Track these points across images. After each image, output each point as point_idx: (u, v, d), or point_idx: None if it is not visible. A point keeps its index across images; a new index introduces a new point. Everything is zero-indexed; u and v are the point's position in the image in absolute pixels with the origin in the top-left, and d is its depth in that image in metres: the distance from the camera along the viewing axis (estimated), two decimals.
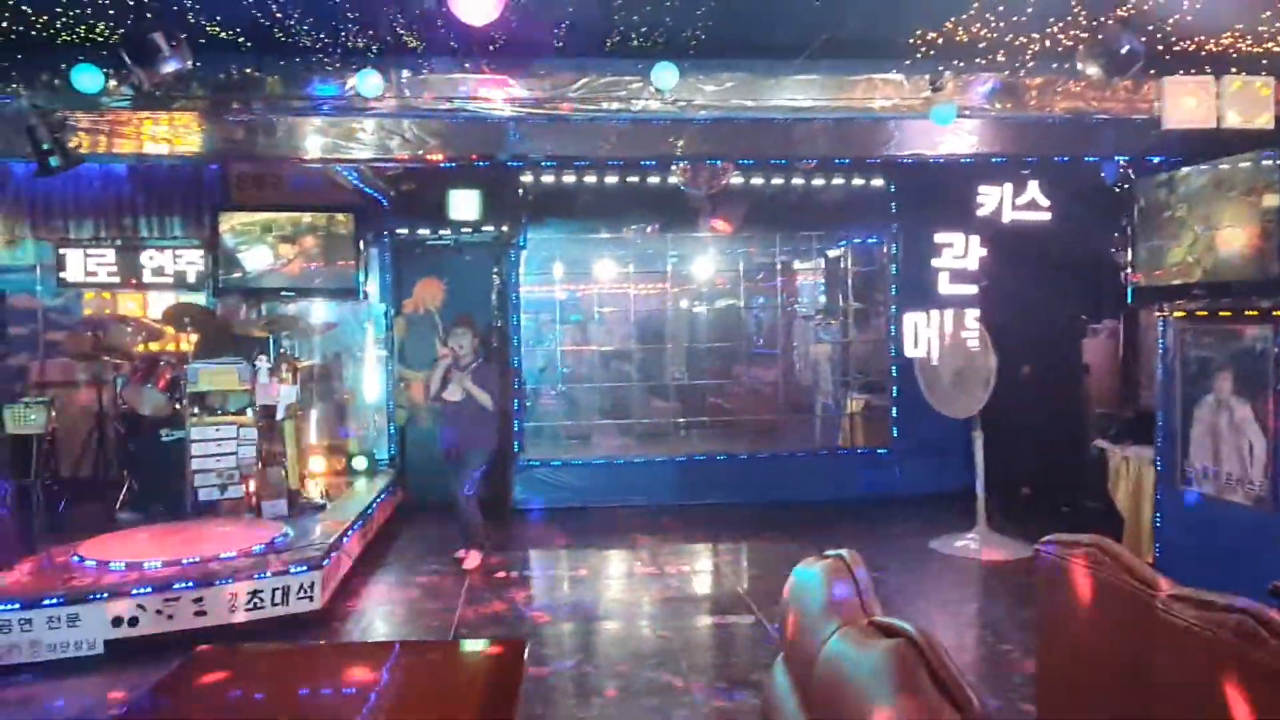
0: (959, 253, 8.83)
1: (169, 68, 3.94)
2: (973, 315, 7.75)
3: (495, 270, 9.37)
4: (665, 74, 4.36)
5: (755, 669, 4.67)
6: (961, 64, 4.69)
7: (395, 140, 5.19)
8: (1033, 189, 7.10)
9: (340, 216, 8.83)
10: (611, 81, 4.53)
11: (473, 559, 6.94)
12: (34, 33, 4.31)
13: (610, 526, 8.11)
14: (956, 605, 6.09)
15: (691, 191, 7.25)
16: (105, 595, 5.05)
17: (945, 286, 8.96)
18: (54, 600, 4.96)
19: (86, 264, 8.57)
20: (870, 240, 9.95)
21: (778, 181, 9.11)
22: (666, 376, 10.07)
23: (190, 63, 4.04)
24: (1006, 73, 4.83)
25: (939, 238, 9.01)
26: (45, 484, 6.90)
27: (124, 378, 7.40)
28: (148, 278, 8.68)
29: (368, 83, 4.37)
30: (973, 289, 7.89)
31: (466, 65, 4.51)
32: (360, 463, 8.65)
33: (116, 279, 8.62)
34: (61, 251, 8.55)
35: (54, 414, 5.68)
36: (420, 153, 5.37)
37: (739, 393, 10.50)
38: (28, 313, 8.71)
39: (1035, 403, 8.27)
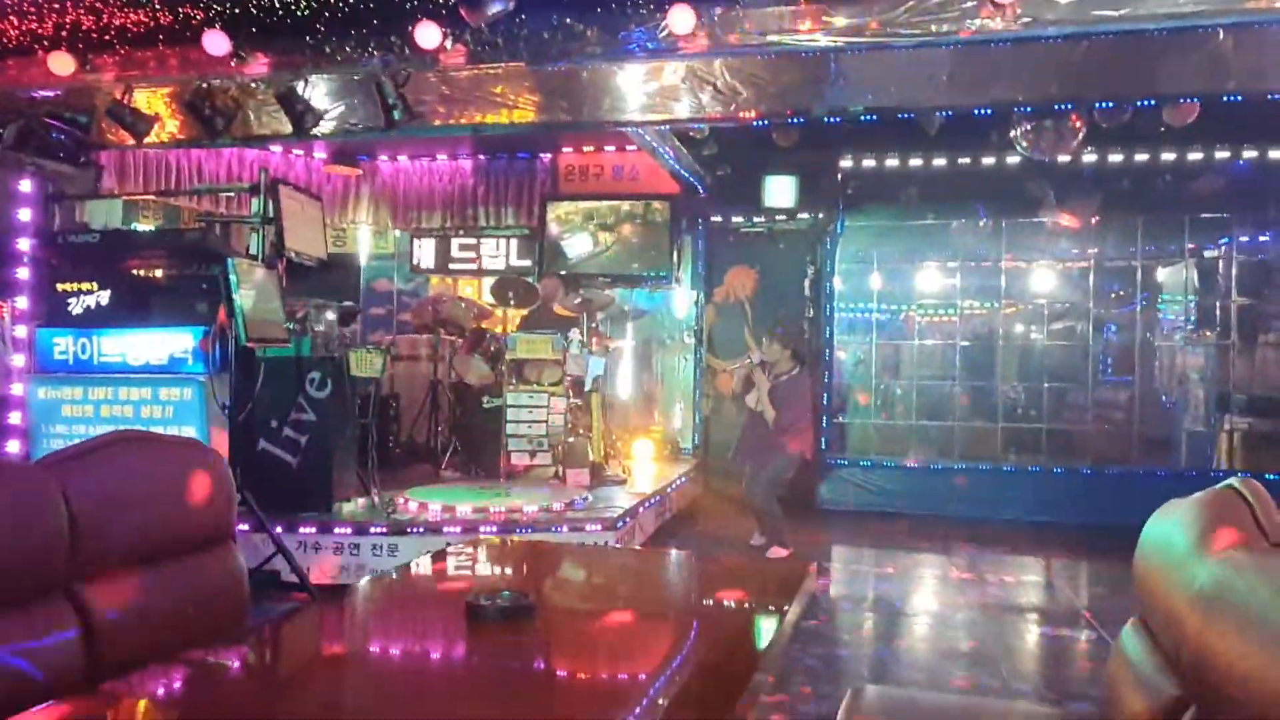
0: None
1: (494, 9, 4.16)
2: None
3: (809, 259, 9.11)
4: None
5: (1097, 685, 3.95)
6: None
7: (707, 93, 5.11)
8: None
9: (657, 204, 9.05)
10: (942, 1, 4.11)
11: (776, 553, 6.68)
12: None
13: (922, 532, 7.46)
14: None
15: (1035, 157, 6.50)
16: (422, 530, 5.42)
17: None
18: (379, 530, 5.42)
19: (434, 252, 9.50)
20: (1265, 239, 8.40)
21: (1141, 158, 7.98)
22: (993, 387, 9.13)
23: (512, 3, 4.25)
24: None
25: None
26: (384, 441, 7.71)
27: (455, 350, 8.06)
28: (484, 264, 9.45)
29: (679, 17, 4.32)
30: None
31: None
32: (664, 448, 8.73)
33: (457, 265, 9.46)
34: (416, 241, 9.55)
35: (390, 359, 6.27)
36: (732, 108, 5.25)
37: (1080, 411, 9.24)
38: (385, 295, 9.83)
39: None
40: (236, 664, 1.81)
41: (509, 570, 2.54)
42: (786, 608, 2.03)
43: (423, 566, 2.53)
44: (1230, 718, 1.46)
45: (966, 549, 6.89)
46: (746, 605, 2.25)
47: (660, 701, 1.62)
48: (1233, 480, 1.98)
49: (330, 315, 5.96)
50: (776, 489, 6.81)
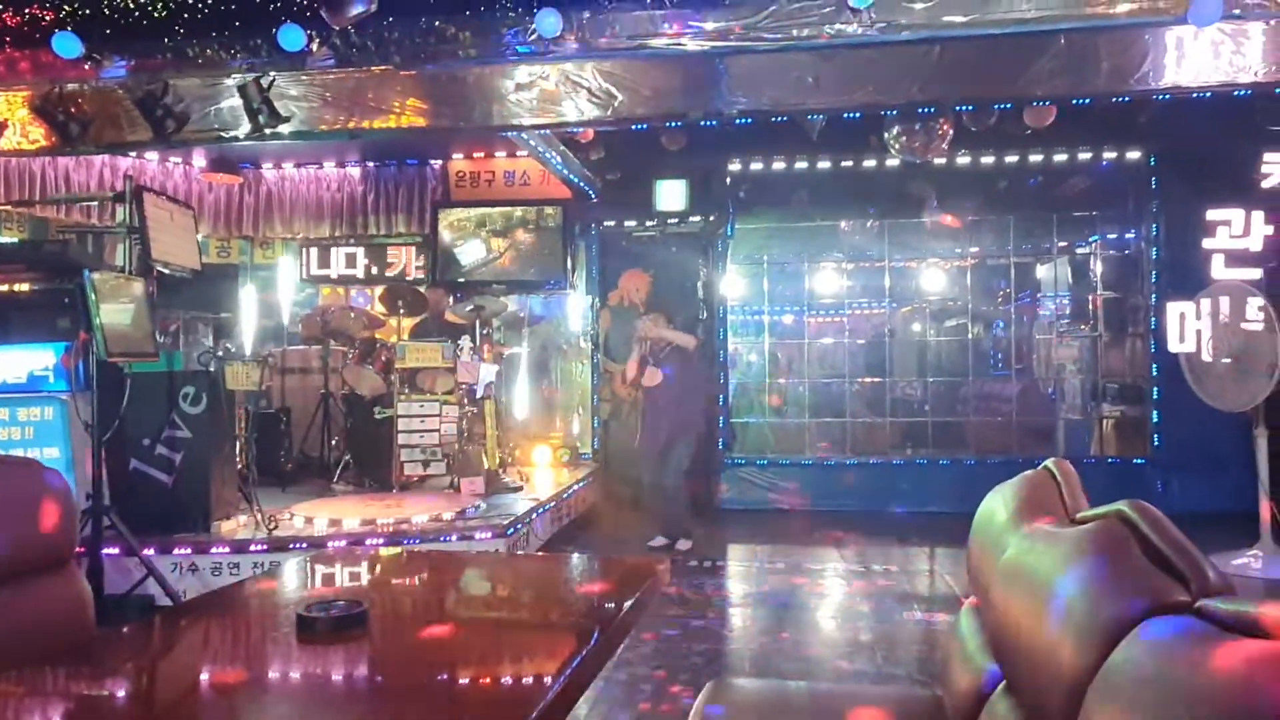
0: (1237, 231, 7.72)
1: (355, 10, 4.08)
2: (1256, 303, 6.67)
3: (702, 262, 9.20)
4: None
5: None
6: None
7: (582, 96, 5.12)
8: None
9: (549, 210, 9.02)
10: (803, 6, 4.21)
11: (682, 544, 6.79)
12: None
13: (816, 527, 7.58)
14: None
15: (907, 158, 6.71)
16: (305, 546, 5.26)
17: (1220, 270, 7.86)
18: (260, 547, 5.25)
19: (322, 261, 9.29)
20: (1128, 236, 8.83)
21: (1011, 159, 8.31)
22: (883, 384, 9.36)
23: (374, 5, 4.18)
24: None
25: (1212, 215, 7.92)
26: (275, 456, 7.49)
27: (347, 361, 7.88)
28: (375, 273, 9.28)
29: (545, 22, 4.32)
30: (1256, 272, 6.87)
31: (649, 1, 4.35)
32: (562, 454, 8.70)
33: (346, 274, 9.26)
34: (304, 250, 9.32)
35: (276, 372, 6.07)
36: (609, 112, 5.26)
37: (965, 404, 9.59)
38: (273, 307, 9.55)
39: None
40: (41, 684, 1.71)
41: (356, 579, 2.48)
42: (630, 601, 2.03)
43: (261, 580, 2.45)
44: (1026, 687, 1.52)
45: (856, 541, 7.04)
46: (594, 601, 2.24)
47: (494, 703, 1.60)
48: (1048, 461, 2.07)
49: (207, 328, 5.76)
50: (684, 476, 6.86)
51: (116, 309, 4.89)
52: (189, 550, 5.19)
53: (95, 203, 7.31)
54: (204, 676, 1.76)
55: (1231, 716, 0.94)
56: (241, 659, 1.86)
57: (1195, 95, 5.10)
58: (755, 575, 6.34)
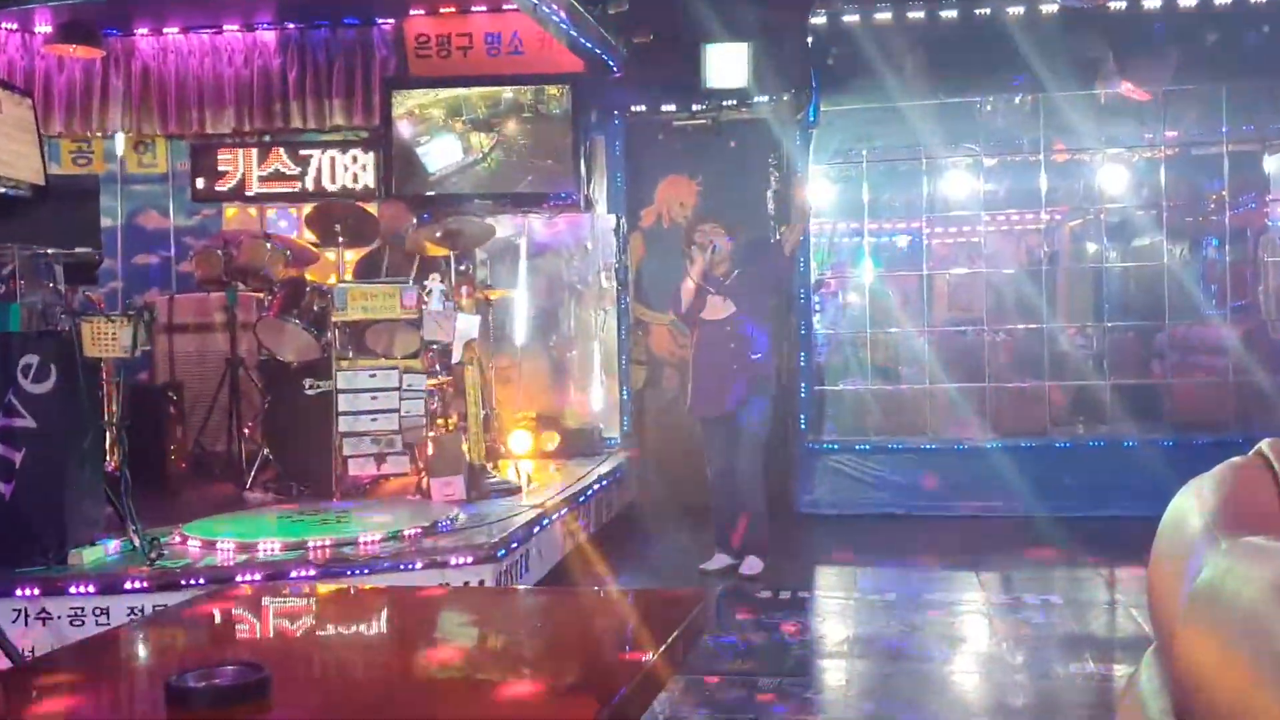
0: None
1: None
2: None
3: (772, 162, 9.13)
4: None
5: None
6: None
7: None
8: None
9: (552, 90, 8.98)
10: None
11: (751, 565, 6.87)
12: None
13: (940, 539, 7.66)
14: None
15: (1072, 4, 6.60)
16: (203, 581, 5.30)
17: None
18: (139, 585, 5.31)
19: (226, 169, 9.29)
20: None
21: (1223, 1, 8.10)
22: (1039, 332, 9.26)
23: None
24: None
25: None
26: (161, 452, 7.59)
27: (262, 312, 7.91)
28: (303, 184, 9.27)
29: None
30: None
31: None
32: (578, 439, 8.73)
33: (263, 188, 9.29)
34: (197, 154, 9.33)
35: (160, 329, 6.10)
36: None
37: (1159, 359, 9.48)
38: (158, 235, 9.63)
39: None
40: None
41: (268, 630, 2.51)
42: (658, 650, 2.04)
43: (134, 632, 2.49)
44: None
45: (1001, 561, 7.03)
46: (607, 654, 2.26)
47: None
48: (1263, 443, 2.02)
49: (56, 269, 5.81)
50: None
51: None
52: (36, 591, 5.20)
53: None
54: None
55: None
56: None
57: None
58: (854, 612, 6.35)
